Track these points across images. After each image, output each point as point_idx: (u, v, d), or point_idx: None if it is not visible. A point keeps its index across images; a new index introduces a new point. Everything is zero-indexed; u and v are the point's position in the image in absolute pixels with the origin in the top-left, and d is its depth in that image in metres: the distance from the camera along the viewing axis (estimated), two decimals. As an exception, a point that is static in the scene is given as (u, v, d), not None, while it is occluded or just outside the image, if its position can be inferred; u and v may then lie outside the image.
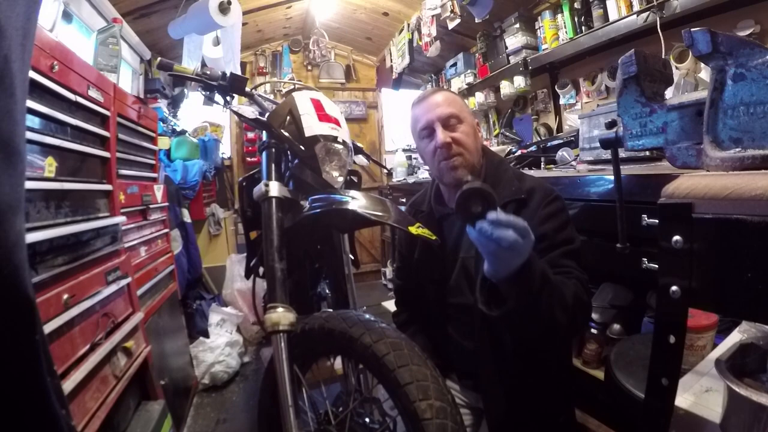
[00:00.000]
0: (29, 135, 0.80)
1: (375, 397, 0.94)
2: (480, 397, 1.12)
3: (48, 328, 0.77)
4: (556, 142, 2.11)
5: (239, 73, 1.20)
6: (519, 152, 2.26)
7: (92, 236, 1.04)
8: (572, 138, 1.97)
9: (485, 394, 1.04)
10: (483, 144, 1.14)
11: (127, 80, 2.49)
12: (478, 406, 1.13)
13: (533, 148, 2.25)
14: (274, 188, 0.94)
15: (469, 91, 3.08)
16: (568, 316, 0.84)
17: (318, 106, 1.06)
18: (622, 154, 1.04)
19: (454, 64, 3.16)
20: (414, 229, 0.91)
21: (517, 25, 2.44)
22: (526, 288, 0.76)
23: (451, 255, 1.10)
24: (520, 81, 2.53)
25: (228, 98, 1.10)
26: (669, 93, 0.97)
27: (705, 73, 1.62)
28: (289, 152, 1.06)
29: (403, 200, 3.15)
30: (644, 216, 1.13)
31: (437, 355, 1.12)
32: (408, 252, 1.21)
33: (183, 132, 2.78)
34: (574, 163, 1.79)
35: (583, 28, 2.08)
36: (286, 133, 1.00)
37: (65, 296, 0.84)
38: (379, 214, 0.91)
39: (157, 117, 1.85)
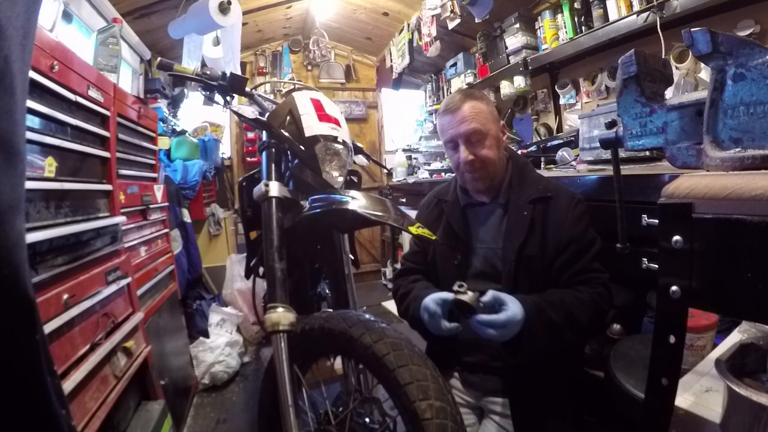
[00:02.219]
0: (29, 135, 0.80)
1: (375, 397, 0.94)
2: (480, 395, 1.12)
3: (48, 328, 0.77)
4: (556, 142, 2.11)
5: (239, 73, 1.20)
6: (519, 152, 2.25)
7: (92, 236, 1.04)
8: (572, 138, 1.97)
9: (509, 389, 1.06)
10: (508, 146, 1.20)
11: (127, 80, 2.49)
12: (479, 405, 1.13)
13: (533, 148, 2.25)
14: (274, 188, 0.94)
15: (469, 91, 3.08)
16: (581, 335, 1.02)
17: (318, 106, 1.06)
18: (622, 154, 1.04)
19: (454, 64, 3.16)
20: (414, 229, 0.91)
21: (517, 25, 2.44)
22: (528, 345, 0.92)
23: (474, 242, 1.16)
24: (520, 81, 2.53)
25: (228, 98, 1.11)
26: (669, 93, 0.97)
27: (705, 73, 1.62)
28: (289, 152, 1.06)
29: (403, 200, 3.15)
30: (644, 216, 1.13)
31: (447, 347, 1.13)
32: (426, 243, 1.22)
33: (183, 132, 2.78)
34: (574, 163, 1.79)
35: (583, 28, 2.08)
36: (286, 133, 1.00)
37: (65, 296, 0.84)
38: (379, 214, 0.90)
39: (157, 117, 1.85)
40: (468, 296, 0.90)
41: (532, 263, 1.05)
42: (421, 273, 1.25)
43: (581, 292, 1.01)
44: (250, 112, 1.11)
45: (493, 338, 0.90)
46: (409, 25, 3.20)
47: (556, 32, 2.27)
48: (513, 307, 0.90)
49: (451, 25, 2.64)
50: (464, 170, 1.10)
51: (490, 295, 0.91)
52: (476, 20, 2.48)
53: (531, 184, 1.11)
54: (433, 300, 0.97)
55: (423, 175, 3.29)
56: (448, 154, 1.16)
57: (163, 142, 2.30)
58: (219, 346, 2.19)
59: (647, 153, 1.35)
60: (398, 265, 1.40)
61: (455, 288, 0.92)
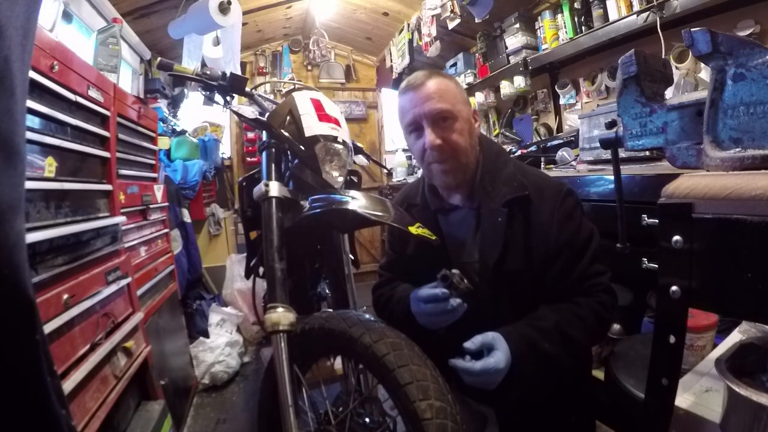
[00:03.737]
0: (29, 135, 0.80)
1: (375, 397, 0.93)
2: (477, 401, 1.11)
3: (48, 328, 0.77)
4: (556, 142, 2.11)
5: (239, 73, 1.20)
6: (519, 152, 2.26)
7: (92, 236, 1.04)
8: (572, 138, 1.97)
9: (494, 399, 0.98)
10: (480, 133, 1.04)
11: (127, 80, 2.49)
12: (479, 409, 1.12)
13: (533, 148, 2.25)
14: (274, 188, 0.94)
15: (469, 91, 3.08)
16: (583, 350, 0.94)
17: (318, 106, 1.06)
18: (622, 154, 1.04)
19: (454, 64, 3.16)
20: (414, 229, 0.91)
21: (517, 25, 2.44)
22: (519, 386, 0.83)
23: (451, 253, 1.02)
24: (520, 81, 2.53)
25: (228, 98, 1.10)
26: (669, 93, 0.97)
27: (705, 73, 1.62)
28: (289, 152, 1.06)
29: (403, 200, 3.15)
30: (644, 216, 1.13)
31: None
32: (401, 247, 1.13)
33: (183, 132, 2.78)
34: (574, 163, 1.79)
35: (583, 28, 2.08)
36: (286, 133, 1.00)
37: (65, 296, 0.84)
38: (379, 214, 0.90)
39: (157, 117, 1.85)
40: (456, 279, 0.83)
41: (515, 279, 0.92)
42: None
43: (580, 305, 0.90)
44: (250, 112, 1.10)
45: (473, 385, 0.82)
46: (409, 25, 3.20)
47: (556, 32, 2.27)
48: (496, 354, 0.80)
49: (451, 25, 2.64)
50: (431, 159, 0.94)
51: (478, 341, 0.82)
52: (476, 20, 2.48)
53: (505, 182, 0.94)
54: (424, 291, 0.87)
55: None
56: (410, 142, 0.99)
57: (163, 142, 2.30)
58: (219, 346, 2.19)
59: (647, 153, 1.35)
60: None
61: (441, 275, 0.84)
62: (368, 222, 0.94)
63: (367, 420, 0.90)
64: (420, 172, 3.44)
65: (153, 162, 1.67)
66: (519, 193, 0.93)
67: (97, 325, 0.98)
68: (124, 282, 1.14)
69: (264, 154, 1.02)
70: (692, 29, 0.52)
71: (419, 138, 0.96)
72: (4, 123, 0.32)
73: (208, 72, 1.07)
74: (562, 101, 2.49)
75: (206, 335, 2.22)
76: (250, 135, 3.70)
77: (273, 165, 1.00)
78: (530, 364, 0.83)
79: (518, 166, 1.01)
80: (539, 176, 0.99)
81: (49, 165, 0.86)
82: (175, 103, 2.99)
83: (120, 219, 1.18)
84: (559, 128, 2.55)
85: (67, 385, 0.79)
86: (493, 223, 0.93)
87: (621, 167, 0.81)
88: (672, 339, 0.53)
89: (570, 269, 0.92)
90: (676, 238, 0.51)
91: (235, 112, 1.06)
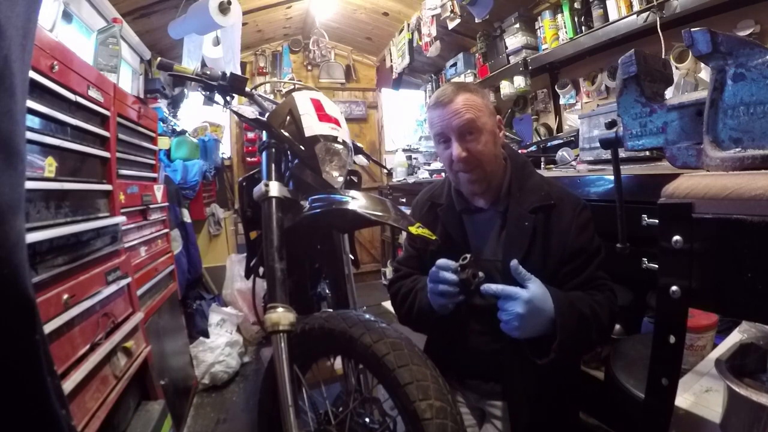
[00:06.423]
0: (29, 135, 0.80)
1: (375, 397, 0.93)
2: (479, 397, 1.11)
3: (48, 328, 0.77)
4: (556, 142, 2.11)
5: (239, 73, 1.20)
6: (519, 152, 2.26)
7: (92, 236, 1.04)
8: (572, 138, 1.97)
9: (509, 394, 1.02)
10: (506, 144, 1.11)
11: (127, 80, 2.49)
12: (478, 406, 1.12)
13: (533, 148, 2.25)
14: (274, 188, 0.94)
15: (469, 91, 3.08)
16: (604, 336, 0.98)
17: (318, 106, 1.06)
18: (622, 154, 1.04)
19: (454, 64, 3.16)
20: (414, 229, 0.91)
21: (517, 25, 2.44)
22: (562, 341, 0.85)
23: (474, 251, 1.05)
24: (520, 81, 2.53)
25: (228, 98, 1.11)
26: (669, 93, 0.97)
27: (705, 73, 1.62)
28: (289, 152, 1.06)
29: (403, 200, 3.15)
30: (644, 216, 1.13)
31: (446, 354, 1.09)
32: (424, 244, 1.14)
33: (183, 132, 2.78)
34: (574, 163, 1.79)
35: (583, 28, 2.08)
36: (286, 133, 1.00)
37: (65, 296, 0.84)
38: (379, 214, 0.90)
39: (157, 117, 1.85)
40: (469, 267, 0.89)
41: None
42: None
43: (595, 295, 0.97)
44: (250, 112, 1.11)
45: (510, 325, 0.86)
46: (409, 25, 3.20)
47: (556, 32, 2.27)
48: (541, 286, 0.87)
49: (451, 25, 2.64)
50: (458, 169, 1.01)
51: (514, 263, 0.89)
52: (476, 20, 2.48)
53: (532, 190, 1.03)
54: (437, 268, 0.94)
55: (423, 175, 3.29)
56: (439, 151, 1.06)
57: (163, 142, 2.30)
58: (219, 346, 2.19)
59: (647, 153, 1.35)
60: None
61: (460, 261, 0.90)
62: (368, 222, 0.94)
63: (367, 420, 0.90)
64: (421, 174, 3.41)
65: (153, 162, 1.67)
66: (546, 201, 1.01)
67: (97, 325, 0.98)
68: (124, 282, 1.14)
69: (264, 154, 1.02)
70: (692, 29, 0.52)
71: (447, 149, 1.02)
72: (4, 123, 0.32)
73: (208, 72, 1.07)
74: (562, 101, 2.49)
75: (206, 335, 2.22)
76: (250, 135, 3.70)
77: (273, 165, 1.00)
78: (571, 320, 0.87)
79: (542, 177, 1.10)
80: (560, 188, 1.07)
81: (49, 165, 0.86)
82: (175, 103, 2.99)
83: (120, 219, 1.18)
84: (559, 128, 2.56)
85: (67, 385, 0.79)
86: (520, 226, 1.00)
87: (621, 167, 0.81)
88: (672, 339, 0.53)
89: (582, 269, 0.99)
90: (676, 238, 0.51)
91: (235, 112, 1.06)
